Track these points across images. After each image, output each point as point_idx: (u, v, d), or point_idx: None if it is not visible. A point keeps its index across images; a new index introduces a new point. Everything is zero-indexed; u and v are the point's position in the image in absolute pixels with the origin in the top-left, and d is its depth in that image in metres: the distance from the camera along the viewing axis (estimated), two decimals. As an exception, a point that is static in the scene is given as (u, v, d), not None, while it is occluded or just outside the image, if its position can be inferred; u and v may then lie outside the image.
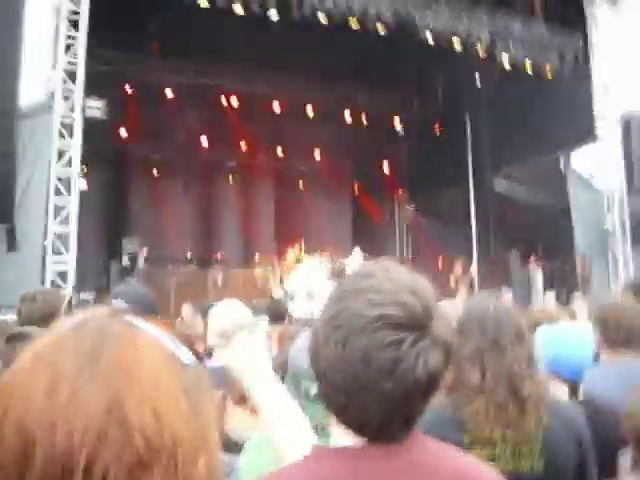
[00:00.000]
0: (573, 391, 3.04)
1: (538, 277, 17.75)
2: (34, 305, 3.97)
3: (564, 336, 3.25)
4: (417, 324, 1.28)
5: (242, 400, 3.24)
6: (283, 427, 1.73)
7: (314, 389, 1.89)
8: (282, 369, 2.42)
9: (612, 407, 3.05)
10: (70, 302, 4.25)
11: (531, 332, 2.77)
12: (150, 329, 0.83)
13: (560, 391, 3.01)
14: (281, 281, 17.93)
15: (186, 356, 0.84)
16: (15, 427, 0.71)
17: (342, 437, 1.37)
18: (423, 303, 1.31)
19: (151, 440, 0.72)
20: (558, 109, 16.77)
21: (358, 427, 1.34)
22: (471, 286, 18.35)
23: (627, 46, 17.04)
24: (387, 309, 1.28)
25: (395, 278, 1.36)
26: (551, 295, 15.96)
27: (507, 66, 16.67)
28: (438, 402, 2.54)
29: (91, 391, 0.72)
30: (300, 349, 2.00)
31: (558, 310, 4.66)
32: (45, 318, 3.82)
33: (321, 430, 1.76)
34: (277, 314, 6.90)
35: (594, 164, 17.24)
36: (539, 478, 2.31)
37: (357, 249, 18.30)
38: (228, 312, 4.31)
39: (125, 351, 0.77)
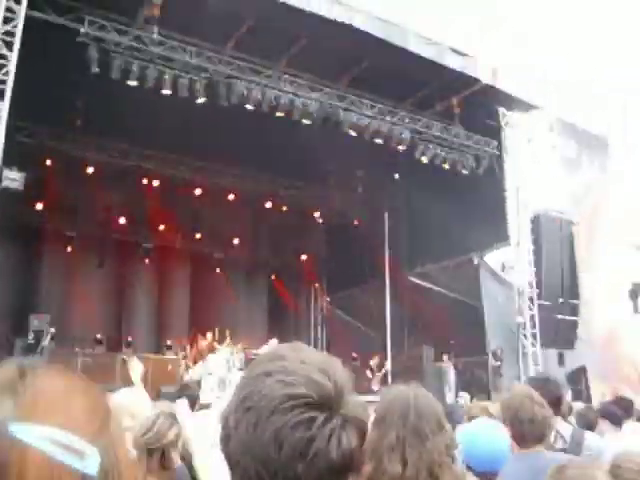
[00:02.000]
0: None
1: (451, 373, 17.93)
2: None
3: (478, 430, 3.29)
4: (328, 403, 1.23)
5: None
6: None
7: None
8: None
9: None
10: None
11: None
12: (44, 441, 0.69)
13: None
14: (190, 368, 17.57)
15: (89, 461, 0.72)
16: None
17: None
18: (334, 382, 1.27)
19: None
20: (473, 210, 17.43)
21: None
22: (385, 381, 18.40)
23: (537, 152, 18.05)
24: (297, 389, 1.23)
25: (305, 359, 1.32)
26: (466, 395, 16.13)
27: (425, 161, 17.29)
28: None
29: None
30: None
31: (496, 408, 4.73)
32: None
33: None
34: (188, 400, 6.69)
35: (506, 263, 17.84)
36: None
37: (273, 340, 18.16)
38: (125, 405, 4.29)
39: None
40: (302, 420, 1.19)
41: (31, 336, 15.18)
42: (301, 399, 1.21)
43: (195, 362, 18.16)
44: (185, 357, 18.52)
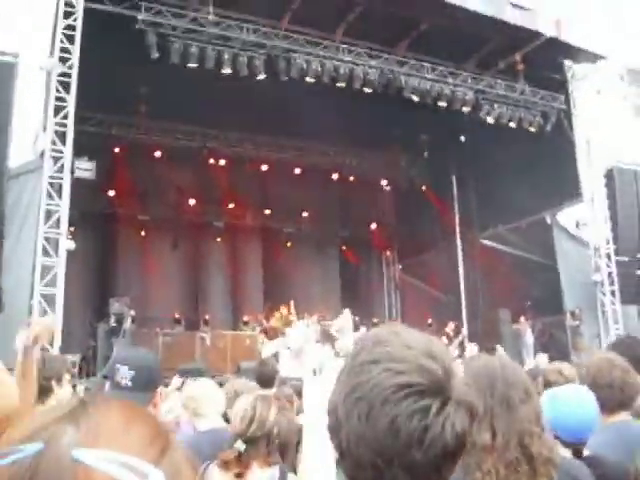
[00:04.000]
0: (577, 455, 2.93)
1: (528, 335, 17.68)
2: None
3: (566, 397, 3.15)
4: (440, 389, 1.22)
5: (226, 465, 3.23)
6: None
7: None
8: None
9: (618, 464, 2.97)
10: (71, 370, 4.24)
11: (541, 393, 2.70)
12: (108, 465, 0.70)
13: (563, 454, 2.92)
14: (266, 342, 17.79)
15: None
16: None
17: None
18: (442, 366, 1.26)
19: None
20: (543, 168, 17.02)
21: None
22: (462, 346, 18.26)
23: (606, 104, 17.43)
24: (408, 377, 1.22)
25: (410, 343, 1.30)
26: (544, 356, 15.86)
27: (491, 121, 16.93)
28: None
29: None
30: None
31: (571, 370, 4.50)
32: (45, 380, 3.79)
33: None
34: (266, 377, 6.76)
35: (580, 220, 17.38)
36: (554, 542, 2.22)
37: (347, 311, 18.22)
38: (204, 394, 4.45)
39: None
40: (417, 409, 1.19)
41: (112, 319, 15.57)
42: (413, 387, 1.21)
43: (270, 337, 18.38)
44: (262, 332, 18.76)
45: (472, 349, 14.24)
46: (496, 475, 2.27)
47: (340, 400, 1.29)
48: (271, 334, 18.44)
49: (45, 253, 12.43)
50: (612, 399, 3.40)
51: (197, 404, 4.35)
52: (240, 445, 3.30)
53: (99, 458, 0.69)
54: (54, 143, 12.72)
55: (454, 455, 1.24)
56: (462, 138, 20.83)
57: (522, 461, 2.30)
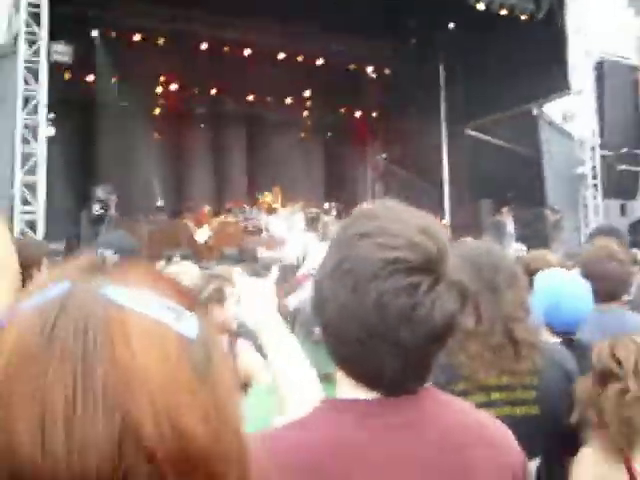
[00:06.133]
0: (568, 344, 2.95)
1: (509, 226, 17.80)
2: None
3: (562, 288, 3.14)
4: (432, 267, 1.18)
5: None
6: (288, 373, 1.67)
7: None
8: (290, 316, 2.39)
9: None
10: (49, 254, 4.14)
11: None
12: (140, 301, 0.65)
13: (550, 339, 2.97)
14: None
15: (188, 323, 0.67)
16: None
17: (349, 388, 1.28)
18: (437, 244, 1.22)
19: (177, 464, 0.60)
20: (532, 58, 16.64)
21: (370, 380, 1.25)
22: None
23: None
24: (400, 252, 1.18)
25: (405, 218, 1.26)
26: (522, 246, 16.02)
27: (482, 7, 16.41)
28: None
29: (93, 418, 0.57)
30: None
31: (557, 258, 4.48)
32: (23, 270, 3.73)
33: (325, 378, 1.70)
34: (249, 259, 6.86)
35: (567, 112, 17.21)
36: (534, 424, 2.28)
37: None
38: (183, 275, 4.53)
39: (121, 352, 0.60)
40: (405, 285, 1.16)
41: (97, 207, 15.42)
42: (403, 263, 1.17)
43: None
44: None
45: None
46: (480, 359, 2.31)
47: (327, 273, 1.26)
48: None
49: (24, 140, 12.21)
50: (604, 290, 3.42)
51: None
52: None
53: (131, 297, 0.66)
54: (28, 25, 12.23)
55: (442, 337, 1.22)
56: (450, 25, 20.27)
57: (506, 345, 2.34)
